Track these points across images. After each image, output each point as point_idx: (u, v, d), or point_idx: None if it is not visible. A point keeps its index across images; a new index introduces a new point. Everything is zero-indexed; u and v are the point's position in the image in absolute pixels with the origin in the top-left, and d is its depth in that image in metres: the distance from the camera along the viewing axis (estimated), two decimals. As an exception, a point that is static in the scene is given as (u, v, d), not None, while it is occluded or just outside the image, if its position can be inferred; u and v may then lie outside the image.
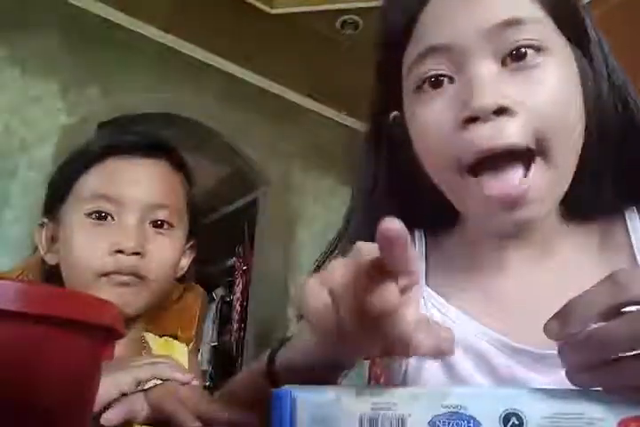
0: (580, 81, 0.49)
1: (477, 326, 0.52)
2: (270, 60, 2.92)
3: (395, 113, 0.56)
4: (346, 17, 2.68)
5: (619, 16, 2.03)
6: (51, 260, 0.72)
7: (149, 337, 0.80)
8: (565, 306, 0.30)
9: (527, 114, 0.44)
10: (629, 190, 0.51)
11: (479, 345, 0.50)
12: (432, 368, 0.51)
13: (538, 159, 0.45)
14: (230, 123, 2.88)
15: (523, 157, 0.44)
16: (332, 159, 3.27)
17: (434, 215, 0.57)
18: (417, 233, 0.61)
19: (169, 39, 2.77)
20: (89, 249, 0.67)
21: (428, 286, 0.57)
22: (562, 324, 0.30)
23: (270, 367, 0.45)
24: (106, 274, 0.66)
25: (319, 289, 0.30)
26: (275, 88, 3.12)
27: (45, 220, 0.74)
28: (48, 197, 0.75)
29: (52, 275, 0.72)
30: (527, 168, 0.45)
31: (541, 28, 0.46)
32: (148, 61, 2.67)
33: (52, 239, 0.73)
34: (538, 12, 0.47)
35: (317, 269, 0.59)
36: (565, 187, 0.48)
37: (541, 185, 0.45)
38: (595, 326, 0.29)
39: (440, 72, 0.47)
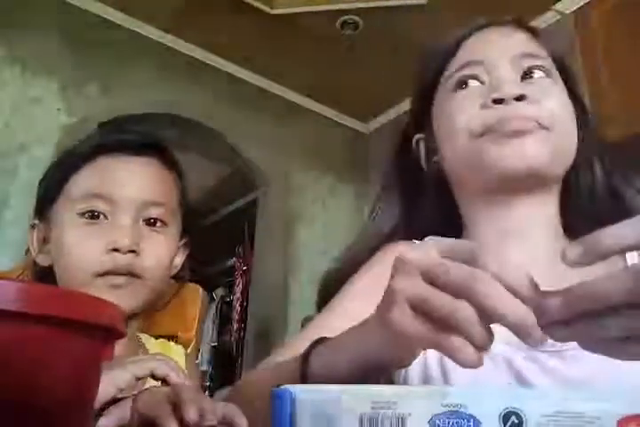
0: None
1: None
2: (270, 60, 2.92)
3: (418, 136, 0.69)
4: (346, 17, 2.68)
5: (619, 16, 2.03)
6: (43, 261, 0.71)
7: (145, 338, 0.80)
8: (593, 235, 0.30)
9: (537, 103, 0.58)
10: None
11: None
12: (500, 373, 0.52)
13: (544, 131, 0.58)
14: (230, 123, 2.88)
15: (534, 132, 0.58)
16: (331, 159, 3.27)
17: (441, 228, 0.65)
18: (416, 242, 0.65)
19: (169, 39, 2.77)
20: (84, 249, 0.66)
21: None
22: (586, 251, 0.30)
23: (305, 367, 0.44)
24: (102, 274, 0.66)
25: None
26: (275, 88, 3.12)
27: (36, 221, 0.73)
28: (39, 197, 0.74)
29: (45, 276, 0.71)
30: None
31: (550, 64, 0.64)
32: (148, 61, 2.67)
33: (44, 240, 0.72)
34: (545, 55, 0.64)
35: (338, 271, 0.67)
36: (567, 163, 0.61)
37: (544, 136, 0.57)
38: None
39: (477, 75, 0.62)
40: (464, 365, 0.30)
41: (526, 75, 0.62)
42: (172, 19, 2.66)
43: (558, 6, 2.35)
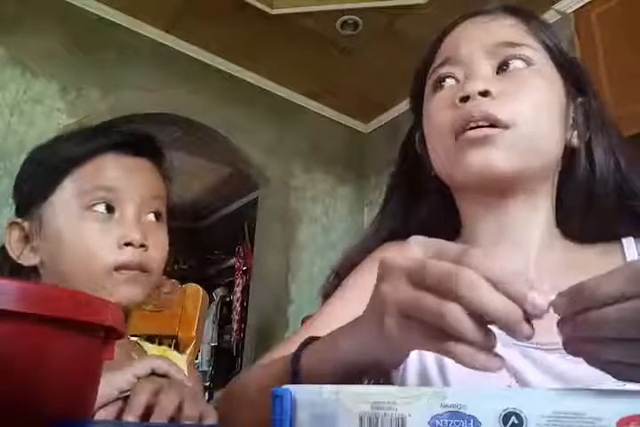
0: (566, 104, 0.61)
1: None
2: (270, 60, 2.92)
3: (419, 133, 0.68)
4: (346, 17, 2.67)
5: (619, 16, 2.03)
6: (27, 260, 0.70)
7: (147, 347, 0.80)
8: (579, 285, 0.30)
9: (503, 98, 0.57)
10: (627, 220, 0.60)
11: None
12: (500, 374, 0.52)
13: (507, 132, 0.56)
14: (230, 123, 2.88)
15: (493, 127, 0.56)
16: (332, 159, 3.27)
17: (436, 228, 0.63)
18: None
19: (169, 39, 2.77)
20: (95, 243, 0.66)
21: None
22: (570, 301, 0.30)
23: (296, 366, 0.43)
24: (117, 268, 0.66)
25: None
26: (275, 88, 3.12)
27: (18, 219, 0.71)
28: (24, 195, 0.73)
29: (21, 275, 0.70)
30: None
31: (533, 52, 0.60)
32: (148, 61, 2.67)
33: (26, 239, 0.70)
34: (531, 42, 0.61)
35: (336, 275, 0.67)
36: (544, 160, 0.58)
37: (505, 139, 0.56)
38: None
39: (451, 74, 0.61)
40: (480, 369, 0.30)
41: (502, 66, 0.59)
42: (173, 19, 2.66)
43: (558, 6, 2.35)
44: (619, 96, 1.81)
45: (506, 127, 0.55)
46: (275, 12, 2.64)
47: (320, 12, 2.64)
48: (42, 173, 0.72)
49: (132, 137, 0.74)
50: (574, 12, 2.24)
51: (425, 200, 0.68)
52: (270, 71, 3.01)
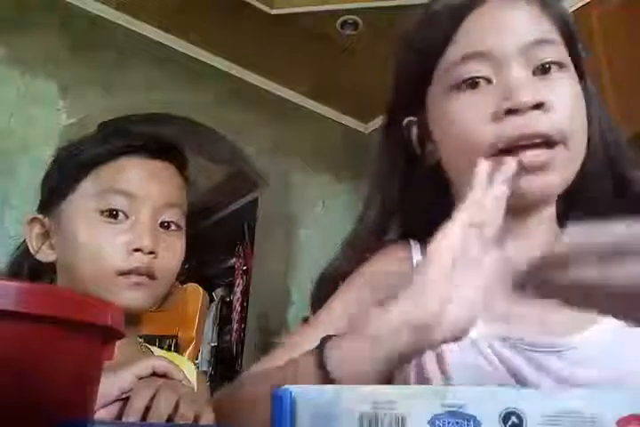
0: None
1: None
2: (270, 60, 2.92)
3: (409, 119, 0.63)
4: (346, 17, 2.68)
5: (619, 16, 2.03)
6: (44, 257, 0.71)
7: (157, 352, 0.80)
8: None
9: (555, 112, 0.52)
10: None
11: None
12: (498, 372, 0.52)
13: (559, 146, 0.52)
14: (230, 123, 2.88)
15: (548, 145, 0.52)
16: (331, 159, 3.27)
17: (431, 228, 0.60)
18: (412, 242, 0.63)
19: (168, 39, 2.77)
20: (105, 247, 0.66)
21: None
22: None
23: (321, 360, 0.43)
24: (124, 273, 0.66)
25: None
26: (275, 88, 3.12)
27: (40, 215, 0.72)
28: (47, 192, 0.74)
29: (41, 272, 0.71)
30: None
31: (562, 49, 0.56)
32: (148, 61, 2.67)
33: (46, 236, 0.71)
34: (557, 37, 0.56)
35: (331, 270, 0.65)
36: (574, 171, 0.55)
37: (561, 159, 0.52)
38: None
39: (480, 74, 0.54)
40: None
41: (539, 69, 0.54)
42: (172, 19, 2.66)
43: (558, 6, 2.35)
44: (619, 96, 1.81)
45: (561, 144, 0.52)
46: (275, 12, 2.64)
47: (320, 11, 2.64)
48: (64, 172, 0.72)
49: (156, 140, 0.74)
50: (574, 12, 2.24)
51: (417, 186, 0.64)
52: (270, 71, 3.01)
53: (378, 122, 3.39)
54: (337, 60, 2.91)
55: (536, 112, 0.51)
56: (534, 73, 0.54)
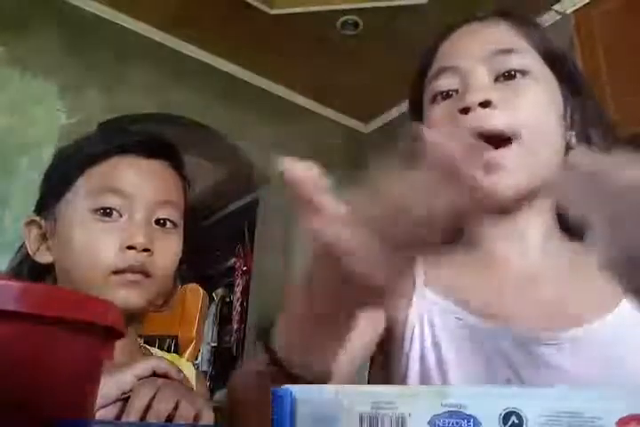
0: (563, 105, 0.61)
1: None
2: (270, 60, 2.92)
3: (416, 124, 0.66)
4: (346, 17, 2.68)
5: (619, 16, 2.03)
6: (42, 258, 0.71)
7: (158, 354, 0.80)
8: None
9: (504, 109, 0.56)
10: None
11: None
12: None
13: (513, 145, 0.56)
14: (230, 123, 2.88)
15: (501, 141, 0.55)
16: (331, 159, 3.27)
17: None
18: None
19: (168, 39, 2.77)
20: (98, 246, 0.66)
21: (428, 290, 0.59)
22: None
23: (272, 355, 0.40)
24: (118, 272, 0.66)
25: None
26: (275, 88, 3.12)
27: (37, 217, 0.72)
28: (44, 193, 0.74)
29: (41, 273, 0.71)
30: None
31: (529, 58, 0.60)
32: (148, 61, 2.67)
33: (44, 237, 0.71)
34: (525, 46, 0.61)
35: None
36: (550, 168, 0.57)
37: (515, 158, 0.55)
38: None
39: (450, 88, 0.61)
40: None
41: (500, 75, 0.59)
42: (172, 19, 2.66)
43: (558, 6, 2.35)
44: (619, 96, 1.81)
45: (515, 139, 0.55)
46: (275, 12, 2.64)
47: (320, 11, 2.64)
48: (60, 172, 0.72)
49: (151, 139, 0.74)
50: (574, 12, 2.24)
51: None
52: (270, 71, 3.01)
53: (377, 122, 3.39)
54: (337, 60, 2.91)
55: (485, 110, 0.55)
56: (497, 79, 0.59)
